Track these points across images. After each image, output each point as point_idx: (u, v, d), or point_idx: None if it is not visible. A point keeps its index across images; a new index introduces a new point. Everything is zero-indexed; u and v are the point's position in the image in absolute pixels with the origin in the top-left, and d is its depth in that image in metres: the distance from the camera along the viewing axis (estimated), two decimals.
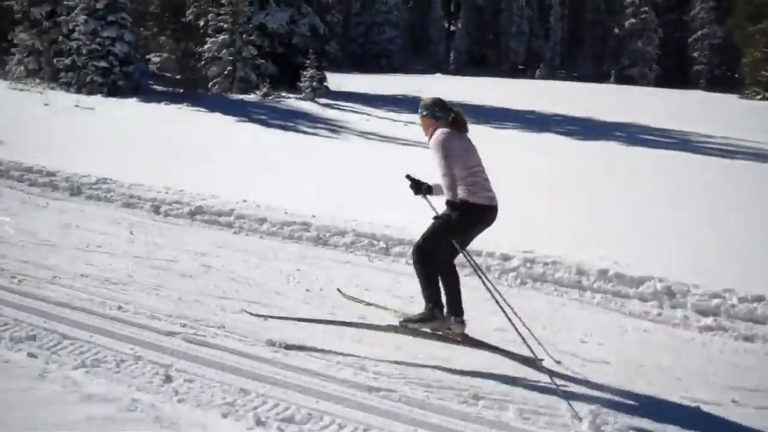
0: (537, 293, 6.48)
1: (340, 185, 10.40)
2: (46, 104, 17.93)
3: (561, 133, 19.48)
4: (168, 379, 4.12)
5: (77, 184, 9.18)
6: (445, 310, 4.94)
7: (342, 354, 4.62)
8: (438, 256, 4.97)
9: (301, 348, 4.67)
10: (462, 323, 4.93)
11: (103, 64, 22.39)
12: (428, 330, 5.00)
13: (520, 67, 53.88)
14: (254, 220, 8.07)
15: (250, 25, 26.19)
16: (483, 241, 6.63)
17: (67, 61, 23.48)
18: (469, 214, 4.84)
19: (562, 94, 29.87)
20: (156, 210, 8.45)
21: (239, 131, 16.62)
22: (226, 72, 25.39)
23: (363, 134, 17.37)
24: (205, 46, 25.82)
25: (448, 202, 4.74)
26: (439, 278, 5.02)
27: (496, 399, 4.13)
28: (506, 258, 6.91)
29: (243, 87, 25.14)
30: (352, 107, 22.79)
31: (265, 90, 24.09)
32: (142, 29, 28.89)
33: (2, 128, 12.89)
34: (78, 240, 7.04)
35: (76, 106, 18.37)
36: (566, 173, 12.93)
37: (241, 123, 18.00)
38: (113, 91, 22.26)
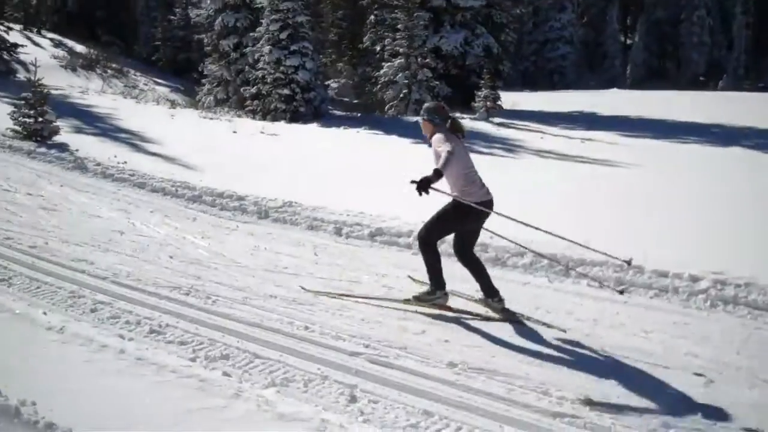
0: (728, 316, 6.15)
1: (517, 206, 10.29)
2: (234, 131, 18.88)
3: (750, 147, 18.39)
4: (353, 399, 4.22)
5: (264, 208, 9.60)
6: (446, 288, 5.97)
7: (524, 377, 4.57)
8: (438, 237, 6.04)
9: (482, 370, 4.66)
10: (500, 301, 5.92)
11: (286, 91, 23.37)
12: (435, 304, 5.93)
13: (701, 78, 51.46)
14: None
15: (425, 49, 26.53)
16: (673, 263, 6.43)
17: (253, 89, 24.71)
18: (467, 209, 5.74)
19: (748, 106, 28.23)
20: (338, 232, 8.69)
21: (415, 153, 16.81)
22: (401, 95, 25.82)
23: (538, 152, 17.14)
24: (381, 71, 26.38)
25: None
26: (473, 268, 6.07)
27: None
28: (695, 279, 6.60)
29: (418, 109, 25.45)
30: (526, 125, 22.56)
31: None
32: (321, 57, 29.89)
33: (195, 155, 13.68)
34: (266, 261, 7.35)
35: (262, 132, 19.21)
36: (760, 189, 12.19)
37: (417, 145, 18.20)
38: (295, 117, 23.18)
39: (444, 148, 5.56)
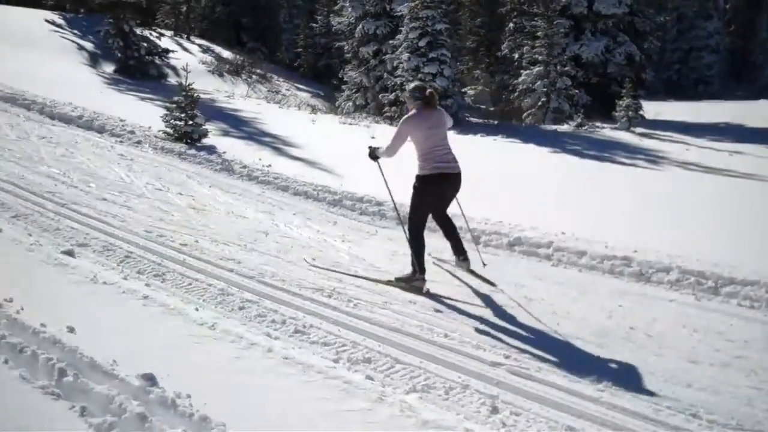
0: None
1: (662, 219, 9.99)
2: (372, 137, 19.13)
3: None
4: (495, 410, 4.21)
5: (404, 214, 9.66)
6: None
7: (672, 398, 4.43)
8: (424, 219, 6.86)
9: (627, 389, 4.55)
10: (466, 260, 7.14)
11: None
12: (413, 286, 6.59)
13: None
14: (573, 252, 7.98)
15: (565, 56, 26.16)
16: None
17: (391, 96, 25.01)
18: (423, 184, 6.65)
19: None
20: (476, 240, 8.67)
21: (554, 162, 16.58)
22: (539, 103, 25.55)
23: (683, 164, 16.54)
24: (520, 78, 26.20)
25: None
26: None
27: None
28: None
29: (556, 118, 25.13)
30: (670, 136, 21.80)
31: (578, 120, 23.88)
32: (458, 64, 29.91)
33: (335, 159, 13.95)
34: (404, 267, 7.39)
35: None
36: None
37: (555, 154, 17.95)
38: None
39: (395, 134, 6.68)
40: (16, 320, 4.65)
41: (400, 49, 24.57)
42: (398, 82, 24.42)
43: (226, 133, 16.53)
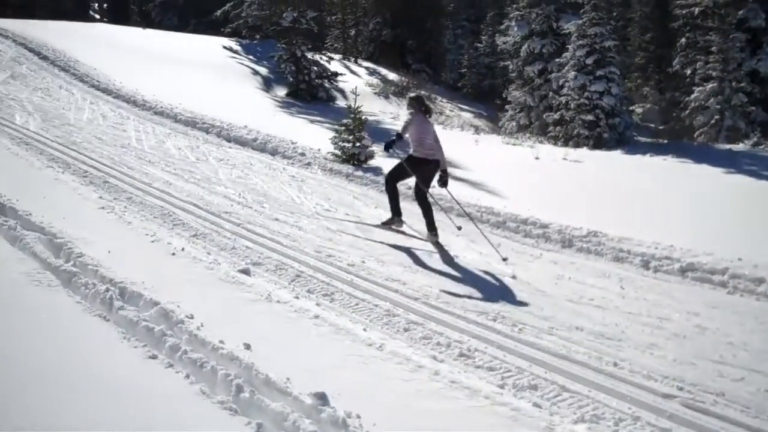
0: None
1: None
2: (536, 157, 18.96)
3: None
4: None
5: (568, 236, 9.52)
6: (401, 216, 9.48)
7: None
8: (396, 179, 9.46)
9: None
10: (435, 236, 9.12)
11: (589, 117, 23.10)
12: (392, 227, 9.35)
13: None
14: (750, 280, 7.60)
15: (741, 72, 24.96)
16: None
17: (556, 115, 24.71)
18: (412, 161, 9.20)
19: None
20: (645, 265, 8.41)
21: (729, 183, 15.84)
22: (713, 121, 24.48)
23: None
24: (692, 96, 25.22)
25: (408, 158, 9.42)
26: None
27: None
28: None
29: (730, 136, 23.99)
30: None
31: (755, 139, 22.67)
32: (626, 81, 29.16)
33: (498, 180, 13.92)
34: (570, 291, 7.31)
35: (564, 159, 19.11)
36: None
37: (730, 174, 17.13)
38: (598, 143, 22.82)
39: (403, 122, 9.38)
40: (197, 336, 4.94)
41: (566, 68, 24.29)
42: (564, 101, 24.10)
43: (390, 154, 16.81)
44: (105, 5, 62.83)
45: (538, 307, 6.71)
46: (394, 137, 9.27)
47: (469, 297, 6.87)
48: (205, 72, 27.14)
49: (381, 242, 8.84)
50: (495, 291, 7.19)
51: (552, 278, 7.89)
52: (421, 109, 9.27)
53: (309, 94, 27.48)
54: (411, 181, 9.58)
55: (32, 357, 4.46)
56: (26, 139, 12.39)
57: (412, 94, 9.94)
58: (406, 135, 9.17)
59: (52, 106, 16.00)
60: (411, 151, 9.31)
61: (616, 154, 21.09)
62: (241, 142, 15.34)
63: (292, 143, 15.25)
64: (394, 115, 27.62)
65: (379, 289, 6.87)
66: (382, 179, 12.61)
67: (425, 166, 9.16)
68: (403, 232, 9.18)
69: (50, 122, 14.24)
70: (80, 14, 51.26)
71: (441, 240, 9.08)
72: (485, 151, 19.82)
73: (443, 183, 9.30)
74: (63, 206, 8.55)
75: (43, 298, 5.56)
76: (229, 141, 15.54)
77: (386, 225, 9.40)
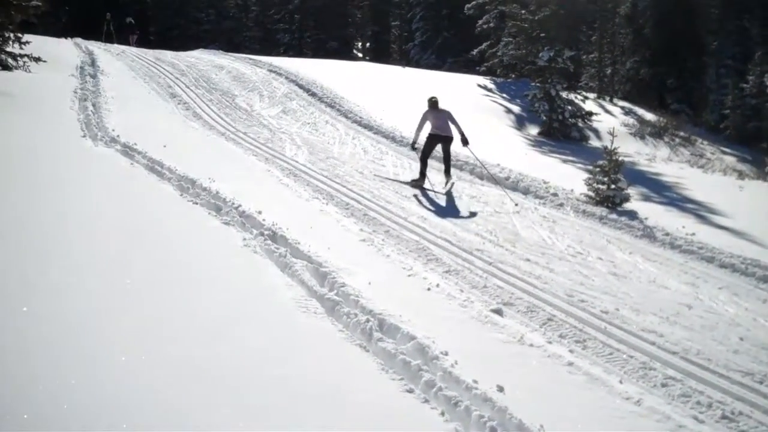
0: None
1: None
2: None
3: None
4: None
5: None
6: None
7: None
8: (426, 155, 13.31)
9: None
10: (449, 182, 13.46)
11: None
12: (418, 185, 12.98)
13: None
14: None
15: None
16: None
17: None
18: (429, 137, 13.41)
19: None
20: None
21: None
22: None
23: None
24: None
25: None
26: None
27: None
28: None
29: None
30: None
31: None
32: None
33: (761, 229, 13.06)
34: None
35: None
36: None
37: None
38: None
39: (420, 118, 13.64)
40: (451, 374, 5.04)
41: None
42: None
43: (646, 198, 16.26)
44: (368, 44, 66.05)
45: None
46: (414, 139, 14.03)
47: (732, 355, 6.46)
48: (461, 110, 27.70)
49: (636, 290, 8.55)
50: (761, 350, 6.71)
51: None
52: (430, 105, 13.48)
53: (562, 133, 27.19)
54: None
55: (299, 379, 4.77)
56: (294, 170, 13.29)
57: (431, 97, 13.65)
58: (425, 126, 13.56)
59: (318, 140, 17.02)
60: (429, 131, 13.47)
61: None
62: (494, 180, 15.50)
63: (544, 183, 15.14)
64: (650, 156, 26.67)
65: (635, 339, 6.66)
66: (637, 224, 12.26)
67: (437, 138, 13.42)
68: (423, 187, 13.18)
69: (316, 155, 15.17)
70: (345, 52, 54.35)
71: (698, 292, 8.61)
72: (750, 197, 18.62)
73: (464, 142, 13.46)
74: (328, 237, 9.07)
75: (310, 324, 5.93)
76: (481, 179, 15.75)
77: (414, 182, 13.23)
